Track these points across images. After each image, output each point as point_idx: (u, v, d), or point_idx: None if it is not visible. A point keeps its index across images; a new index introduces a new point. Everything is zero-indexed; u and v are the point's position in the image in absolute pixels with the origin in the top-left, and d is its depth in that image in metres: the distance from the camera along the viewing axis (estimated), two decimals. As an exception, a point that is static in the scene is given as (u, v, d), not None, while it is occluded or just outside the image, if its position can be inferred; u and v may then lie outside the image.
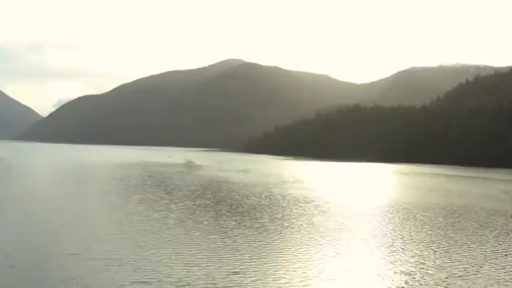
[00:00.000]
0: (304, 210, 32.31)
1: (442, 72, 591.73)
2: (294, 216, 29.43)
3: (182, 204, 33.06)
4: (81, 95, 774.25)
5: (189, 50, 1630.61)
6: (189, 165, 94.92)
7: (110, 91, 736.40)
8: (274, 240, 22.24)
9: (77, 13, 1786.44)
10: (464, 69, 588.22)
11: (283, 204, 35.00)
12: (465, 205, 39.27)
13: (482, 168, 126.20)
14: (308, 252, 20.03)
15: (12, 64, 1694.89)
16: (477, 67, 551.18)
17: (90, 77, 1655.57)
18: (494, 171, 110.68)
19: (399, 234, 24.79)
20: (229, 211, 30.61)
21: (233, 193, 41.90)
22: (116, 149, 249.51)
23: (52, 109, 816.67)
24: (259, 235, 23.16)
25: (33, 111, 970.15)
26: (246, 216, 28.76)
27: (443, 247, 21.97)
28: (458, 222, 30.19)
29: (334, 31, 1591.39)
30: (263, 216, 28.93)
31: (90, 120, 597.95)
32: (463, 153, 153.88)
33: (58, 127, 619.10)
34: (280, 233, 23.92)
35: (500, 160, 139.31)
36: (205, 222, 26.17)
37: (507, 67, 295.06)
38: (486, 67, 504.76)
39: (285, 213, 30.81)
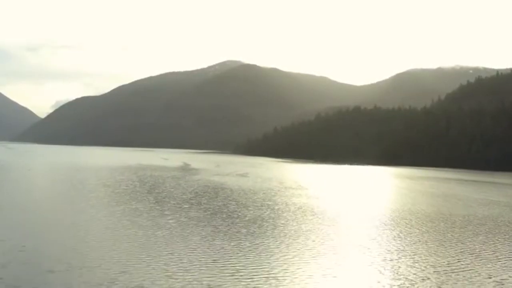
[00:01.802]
0: (314, 226, 28.01)
1: (441, 74, 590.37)
2: (303, 234, 25.08)
3: (172, 217, 28.82)
4: (79, 96, 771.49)
5: (188, 51, 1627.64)
6: (185, 168, 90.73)
7: (109, 92, 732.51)
8: (282, 266, 18.09)
9: (75, 14, 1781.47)
10: (463, 71, 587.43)
11: (288, 217, 30.77)
12: (490, 217, 35.16)
13: (485, 171, 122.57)
14: (328, 283, 15.95)
15: (10, 65, 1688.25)
16: (476, 69, 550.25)
17: (88, 78, 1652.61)
18: (500, 175, 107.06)
19: (431, 256, 20.53)
20: (227, 227, 26.36)
21: (232, 202, 37.71)
22: (113, 150, 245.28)
23: (50, 110, 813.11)
24: (264, 259, 19.00)
25: (31, 112, 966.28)
26: (247, 234, 24.45)
27: (483, 275, 17.82)
28: (492, 241, 26.00)
29: (333, 32, 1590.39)
30: (267, 233, 24.68)
31: (88, 121, 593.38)
32: (465, 156, 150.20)
33: (56, 128, 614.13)
34: (289, 256, 19.76)
35: (502, 162, 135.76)
36: (198, 242, 21.92)
37: (507, 68, 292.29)
38: (485, 69, 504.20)
39: (292, 228, 26.54)
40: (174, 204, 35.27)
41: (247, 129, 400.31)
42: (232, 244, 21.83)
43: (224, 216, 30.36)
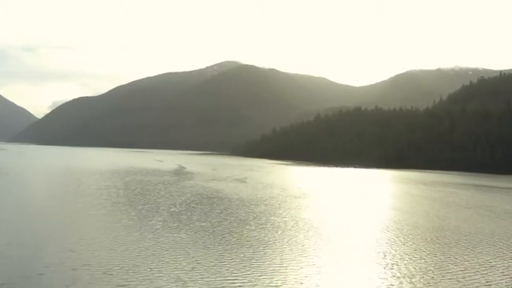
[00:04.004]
0: (333, 252, 21.93)
1: (440, 75, 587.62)
2: (321, 263, 19.28)
3: (154, 242, 22.72)
4: (77, 96, 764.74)
5: (186, 52, 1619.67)
6: (179, 172, 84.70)
7: (106, 92, 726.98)
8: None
9: (73, 14, 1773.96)
10: (463, 72, 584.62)
11: (300, 241, 24.70)
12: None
13: (493, 174, 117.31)
14: None
15: (7, 65, 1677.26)
16: (476, 70, 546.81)
17: (86, 78, 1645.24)
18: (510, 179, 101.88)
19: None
20: (223, 255, 20.46)
21: (229, 217, 31.71)
22: (109, 152, 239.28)
23: (48, 111, 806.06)
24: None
25: (29, 113, 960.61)
26: (250, 268, 18.61)
27: None
28: None
29: (332, 33, 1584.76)
30: (280, 266, 18.86)
31: (86, 122, 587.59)
32: (470, 158, 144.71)
33: (54, 128, 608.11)
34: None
35: (509, 164, 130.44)
36: (186, 279, 16.08)
37: (509, 69, 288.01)
38: (485, 70, 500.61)
39: (309, 253, 20.69)
40: (159, 220, 29.29)
41: (245, 130, 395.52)
42: (229, 281, 15.97)
43: (219, 238, 24.44)
